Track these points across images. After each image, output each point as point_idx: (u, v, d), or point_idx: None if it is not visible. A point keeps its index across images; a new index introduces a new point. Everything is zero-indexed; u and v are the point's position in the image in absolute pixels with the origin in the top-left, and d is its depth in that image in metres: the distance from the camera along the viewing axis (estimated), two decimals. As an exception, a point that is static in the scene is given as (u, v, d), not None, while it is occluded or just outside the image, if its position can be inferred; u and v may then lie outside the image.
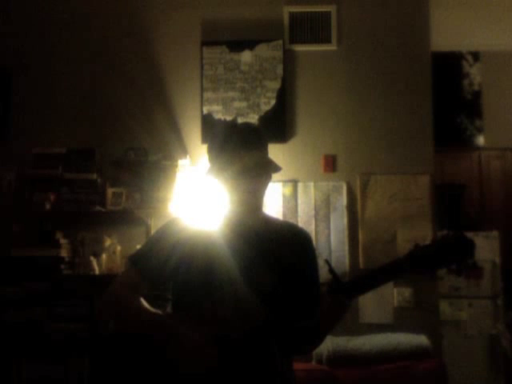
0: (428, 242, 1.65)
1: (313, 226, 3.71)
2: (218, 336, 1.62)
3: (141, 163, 3.67)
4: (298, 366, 3.29)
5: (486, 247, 4.78)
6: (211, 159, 1.79)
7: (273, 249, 1.75)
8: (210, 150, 1.79)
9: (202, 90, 3.85)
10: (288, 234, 1.83)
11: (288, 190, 3.76)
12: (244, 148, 1.73)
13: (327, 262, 1.70)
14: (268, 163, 1.77)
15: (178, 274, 1.72)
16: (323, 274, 1.80)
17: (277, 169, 1.79)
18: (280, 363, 1.69)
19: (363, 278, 1.67)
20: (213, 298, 1.66)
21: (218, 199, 1.84)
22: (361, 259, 3.71)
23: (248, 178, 1.73)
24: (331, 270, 1.66)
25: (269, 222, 1.84)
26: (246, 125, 1.88)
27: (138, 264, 1.73)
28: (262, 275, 1.70)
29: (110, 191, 3.61)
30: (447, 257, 1.61)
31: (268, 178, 1.79)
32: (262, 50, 3.86)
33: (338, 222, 3.74)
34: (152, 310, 1.68)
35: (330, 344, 3.37)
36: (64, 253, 3.51)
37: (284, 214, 3.72)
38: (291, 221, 3.67)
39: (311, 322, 1.66)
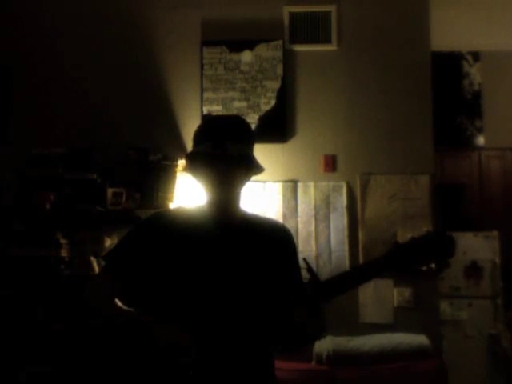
0: (408, 239, 1.60)
1: (313, 226, 3.72)
2: (195, 333, 1.61)
3: (141, 163, 3.67)
4: (298, 365, 3.29)
5: (485, 247, 4.78)
6: (190, 155, 1.73)
7: (250, 246, 1.73)
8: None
9: (202, 90, 3.85)
10: (267, 230, 1.80)
11: (288, 190, 3.76)
12: (218, 137, 1.65)
13: (305, 261, 1.68)
14: (245, 157, 1.69)
15: (153, 274, 1.70)
16: (303, 273, 1.78)
17: (258, 169, 1.72)
18: (257, 361, 1.68)
19: (341, 278, 1.64)
20: (188, 296, 1.66)
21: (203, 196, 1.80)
22: (361, 259, 3.71)
23: (219, 169, 1.66)
24: (309, 269, 1.64)
25: (247, 219, 1.79)
26: (226, 116, 1.84)
27: (111, 266, 1.75)
28: (238, 272, 1.68)
29: (110, 191, 3.61)
30: (426, 255, 1.57)
31: (245, 173, 1.72)
32: (262, 49, 3.86)
33: (338, 222, 3.74)
34: (125, 308, 1.69)
35: (330, 344, 3.37)
36: (64, 253, 3.51)
37: (284, 214, 3.72)
38: (291, 221, 3.68)
39: (290, 322, 1.63)
